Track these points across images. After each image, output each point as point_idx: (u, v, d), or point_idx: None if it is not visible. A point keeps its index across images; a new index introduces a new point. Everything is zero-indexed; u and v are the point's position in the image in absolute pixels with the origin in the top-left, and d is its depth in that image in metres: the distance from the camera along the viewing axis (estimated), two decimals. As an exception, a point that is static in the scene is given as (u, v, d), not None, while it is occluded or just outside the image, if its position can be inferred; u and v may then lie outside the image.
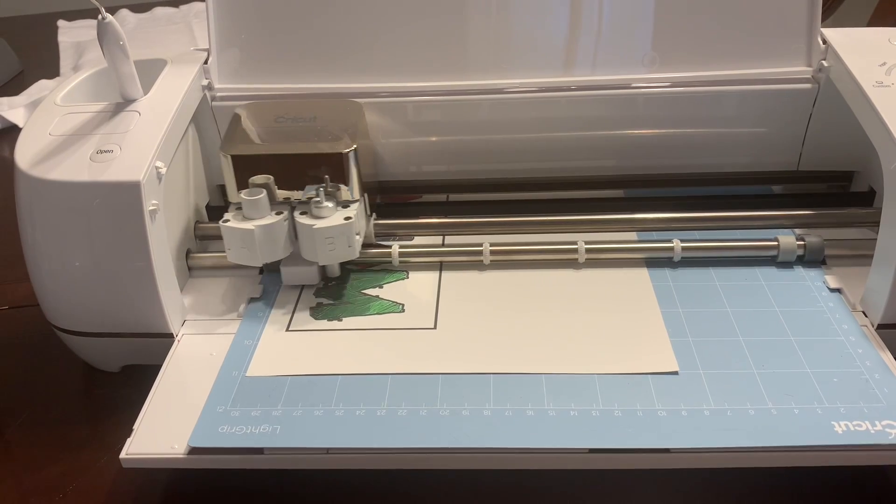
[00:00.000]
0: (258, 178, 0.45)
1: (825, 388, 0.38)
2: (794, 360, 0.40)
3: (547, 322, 0.44)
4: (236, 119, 0.48)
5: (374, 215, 0.50)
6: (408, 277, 0.48)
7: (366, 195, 0.48)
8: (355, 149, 0.45)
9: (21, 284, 0.54)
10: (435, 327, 0.44)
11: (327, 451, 0.37)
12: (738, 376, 0.39)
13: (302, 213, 0.45)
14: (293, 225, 0.46)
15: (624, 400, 0.38)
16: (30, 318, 0.51)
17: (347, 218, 0.44)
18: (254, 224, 0.44)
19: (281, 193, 0.46)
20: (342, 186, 0.45)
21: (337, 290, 0.47)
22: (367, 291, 0.47)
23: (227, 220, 0.45)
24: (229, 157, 0.45)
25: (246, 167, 0.45)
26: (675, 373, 0.40)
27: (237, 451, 0.37)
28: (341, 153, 0.45)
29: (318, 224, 0.44)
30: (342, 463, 0.37)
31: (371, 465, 0.37)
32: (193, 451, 0.37)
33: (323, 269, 0.48)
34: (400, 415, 0.38)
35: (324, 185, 0.45)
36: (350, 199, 0.46)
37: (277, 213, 0.45)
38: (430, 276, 0.48)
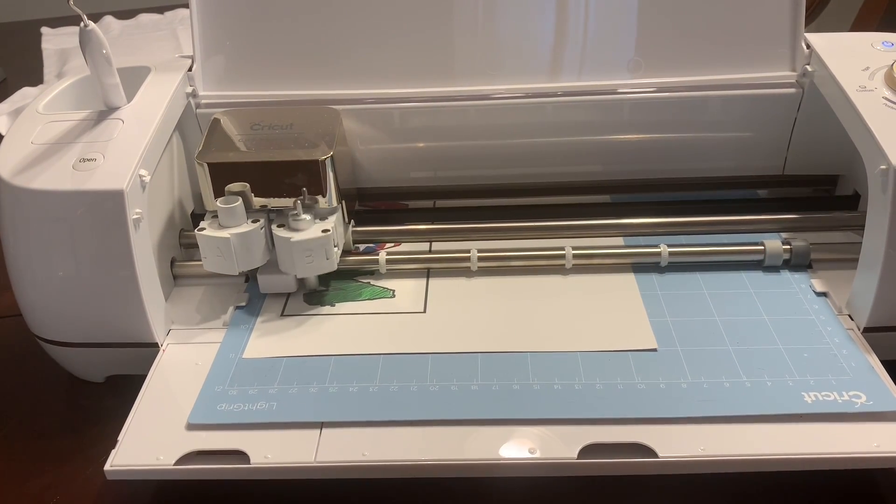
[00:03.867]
0: (234, 186, 0.45)
1: (796, 362, 0.40)
2: (769, 339, 0.42)
3: (533, 308, 0.45)
4: (212, 127, 0.48)
5: (352, 222, 0.50)
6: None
7: (343, 202, 0.47)
8: (332, 156, 0.45)
9: (3, 294, 0.53)
10: (424, 311, 0.45)
11: (314, 458, 0.37)
12: (715, 352, 0.41)
13: (280, 226, 0.45)
14: (270, 233, 0.45)
15: (605, 375, 0.40)
16: (12, 328, 0.51)
17: (325, 230, 0.44)
18: (230, 232, 0.44)
19: (258, 201, 0.45)
20: (320, 198, 0.45)
21: (329, 277, 0.48)
22: (358, 279, 0.49)
23: (202, 229, 0.44)
24: (205, 165, 0.45)
25: (222, 175, 0.45)
26: (654, 350, 0.41)
27: (225, 459, 0.37)
28: (318, 160, 0.44)
29: (296, 237, 0.44)
30: (328, 473, 0.37)
31: (357, 475, 0.37)
32: (192, 427, 0.38)
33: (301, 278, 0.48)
34: (391, 391, 0.40)
35: (301, 197, 0.45)
36: (327, 206, 0.46)
37: (254, 221, 0.45)
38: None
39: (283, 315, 0.46)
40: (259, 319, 0.46)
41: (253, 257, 0.45)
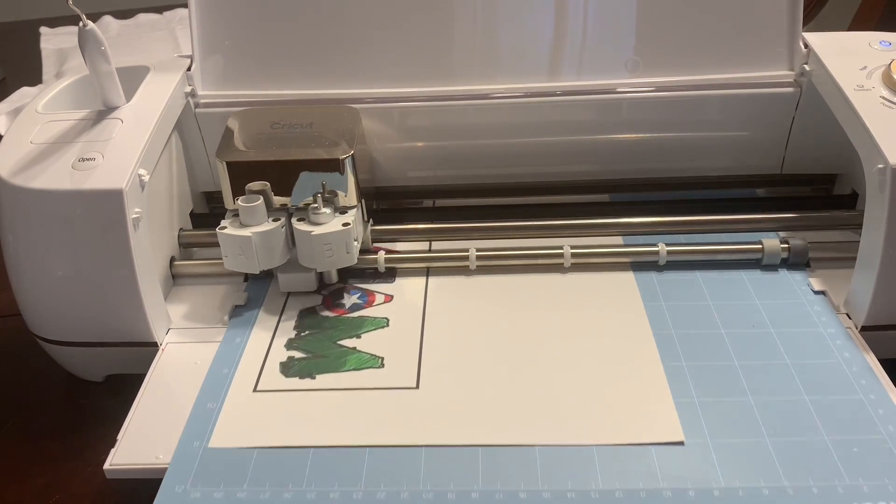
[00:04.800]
0: (255, 185, 0.45)
1: (845, 460, 0.35)
2: (808, 421, 0.37)
3: (538, 373, 0.40)
4: (231, 125, 0.48)
5: (371, 221, 0.50)
6: (388, 325, 0.44)
7: (363, 201, 0.47)
8: (353, 155, 0.45)
9: (2, 294, 0.53)
10: (417, 387, 0.40)
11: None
12: (749, 446, 0.36)
13: (300, 220, 0.45)
14: (290, 231, 0.45)
15: (625, 478, 0.34)
16: (12, 327, 0.51)
17: (346, 224, 0.44)
18: (251, 231, 0.44)
19: (277, 200, 0.45)
20: (339, 192, 0.45)
21: (311, 341, 0.44)
22: (343, 342, 0.43)
23: (223, 228, 0.44)
24: (224, 163, 0.45)
25: (241, 174, 0.45)
26: (681, 443, 0.36)
27: None
28: (339, 159, 0.44)
29: (317, 230, 0.44)
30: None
31: None
32: None
33: (320, 275, 0.48)
34: (378, 498, 0.34)
35: (321, 191, 0.45)
36: (348, 205, 0.46)
37: (274, 220, 0.45)
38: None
39: (255, 390, 0.40)
40: (229, 396, 0.40)
41: (273, 256, 0.45)
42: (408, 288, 0.47)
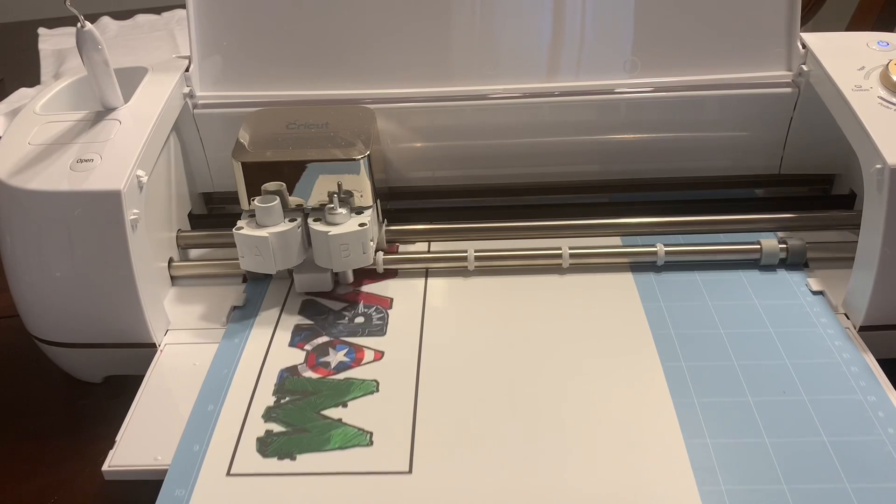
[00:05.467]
0: (271, 185, 0.45)
1: None
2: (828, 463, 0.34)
3: (541, 450, 0.36)
4: (246, 125, 0.48)
5: (385, 221, 0.50)
6: (378, 391, 0.40)
7: (378, 201, 0.47)
8: (369, 155, 0.45)
9: (1, 295, 0.53)
10: (410, 471, 0.35)
11: None
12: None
13: (316, 220, 0.45)
14: (306, 232, 0.45)
15: None
16: (10, 329, 0.51)
17: (362, 224, 0.44)
18: (268, 231, 0.44)
19: (293, 200, 0.45)
20: (356, 192, 0.45)
21: (291, 411, 0.39)
22: (327, 412, 0.39)
23: (240, 228, 0.45)
24: (240, 164, 0.45)
25: (257, 174, 0.45)
26: None
27: None
28: (355, 159, 0.45)
29: (333, 231, 0.44)
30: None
31: None
32: None
33: (335, 275, 0.48)
34: None
35: (337, 191, 0.45)
36: (363, 205, 0.46)
37: (291, 220, 0.45)
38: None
39: (229, 474, 0.36)
40: (199, 482, 0.35)
41: (290, 256, 0.45)
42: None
